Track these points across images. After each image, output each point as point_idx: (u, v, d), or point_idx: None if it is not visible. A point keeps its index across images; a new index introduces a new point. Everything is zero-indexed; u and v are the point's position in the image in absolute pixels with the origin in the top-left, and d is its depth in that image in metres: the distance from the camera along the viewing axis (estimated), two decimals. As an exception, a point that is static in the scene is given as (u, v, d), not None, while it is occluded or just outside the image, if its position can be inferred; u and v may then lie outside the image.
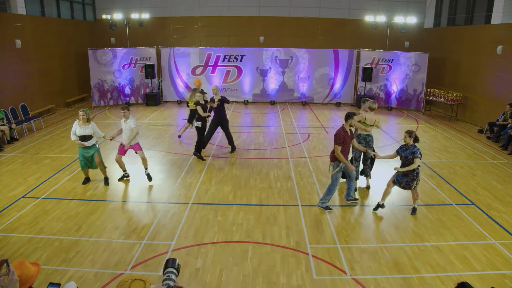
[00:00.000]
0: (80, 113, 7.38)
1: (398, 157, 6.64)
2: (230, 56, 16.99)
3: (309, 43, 18.06)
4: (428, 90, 15.42)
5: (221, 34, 18.59)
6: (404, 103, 16.42)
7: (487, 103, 13.27)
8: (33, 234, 5.89)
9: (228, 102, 9.78)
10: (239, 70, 17.14)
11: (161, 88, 17.45)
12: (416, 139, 6.47)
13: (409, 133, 6.46)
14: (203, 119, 9.18)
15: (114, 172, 8.35)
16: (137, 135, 7.86)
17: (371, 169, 7.83)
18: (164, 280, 2.27)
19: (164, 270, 2.33)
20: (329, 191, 6.79)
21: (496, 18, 13.02)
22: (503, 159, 9.93)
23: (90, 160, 7.66)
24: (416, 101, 16.14)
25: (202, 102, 9.20)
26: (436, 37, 17.04)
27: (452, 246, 5.73)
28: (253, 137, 11.84)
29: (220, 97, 9.60)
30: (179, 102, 17.02)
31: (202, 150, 9.78)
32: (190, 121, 11.02)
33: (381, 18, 17.03)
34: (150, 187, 7.85)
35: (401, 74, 16.30)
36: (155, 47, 16.94)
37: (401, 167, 6.51)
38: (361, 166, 7.89)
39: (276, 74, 17.19)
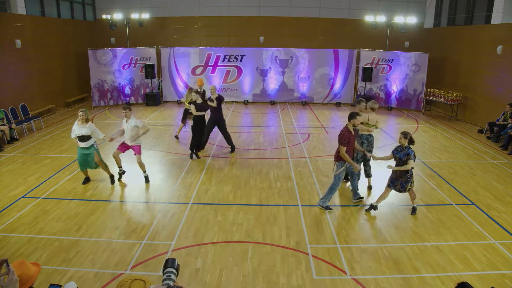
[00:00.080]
0: (80, 113, 7.33)
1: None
2: (230, 56, 16.99)
3: (309, 43, 18.06)
4: (428, 90, 15.42)
5: (221, 34, 18.59)
6: (404, 103, 16.42)
7: (487, 103, 13.28)
8: (33, 234, 5.89)
9: (223, 99, 9.82)
10: (239, 70, 17.14)
11: (161, 88, 17.45)
12: (411, 141, 6.42)
13: (404, 134, 6.43)
14: (197, 118, 9.23)
15: (115, 172, 8.33)
16: (147, 131, 7.85)
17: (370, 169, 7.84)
18: (163, 280, 2.27)
19: (163, 270, 2.33)
20: (331, 190, 6.80)
21: (496, 18, 13.02)
22: (503, 159, 9.93)
23: (88, 161, 7.57)
24: (416, 101, 16.14)
25: (200, 101, 9.21)
26: (436, 37, 17.04)
27: (452, 246, 5.73)
28: (253, 137, 11.84)
29: (217, 95, 9.60)
30: (179, 102, 17.02)
31: (202, 150, 9.81)
32: (183, 120, 11.07)
33: (381, 18, 17.03)
34: (150, 187, 7.85)
35: (401, 74, 16.30)
36: (155, 47, 16.94)
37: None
38: (362, 167, 7.89)
39: (276, 74, 17.19)
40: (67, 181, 8.00)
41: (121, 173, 8.08)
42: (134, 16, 17.17)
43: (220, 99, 9.63)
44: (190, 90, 10.68)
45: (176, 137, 11.17)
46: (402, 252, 5.55)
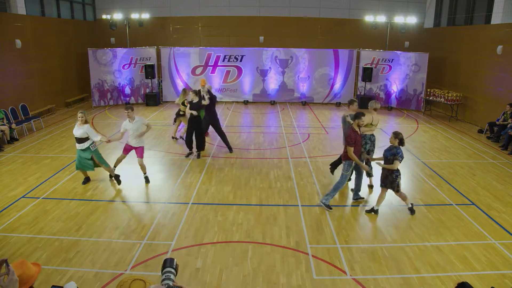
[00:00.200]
0: (79, 114, 7.29)
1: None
2: (230, 56, 16.99)
3: (309, 43, 18.06)
4: (428, 90, 15.42)
5: (221, 34, 18.59)
6: (404, 103, 16.42)
7: (487, 103, 13.28)
8: (33, 234, 5.89)
9: (215, 98, 9.82)
10: (239, 70, 17.14)
11: (161, 88, 17.45)
12: (401, 142, 6.38)
13: (395, 134, 6.41)
14: (191, 118, 9.29)
15: (120, 172, 8.32)
16: (148, 129, 7.85)
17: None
18: (163, 280, 2.27)
19: (162, 270, 2.33)
20: (335, 189, 6.85)
21: (496, 18, 13.02)
22: (503, 159, 9.93)
23: (82, 164, 7.49)
24: (416, 101, 16.14)
25: (196, 100, 9.25)
26: (436, 37, 17.04)
27: (452, 246, 5.73)
28: (253, 137, 11.84)
29: (208, 94, 9.55)
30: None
31: (202, 151, 9.86)
32: (175, 121, 11.15)
33: (381, 18, 17.03)
34: (150, 187, 7.85)
35: (401, 74, 16.30)
36: (155, 47, 16.94)
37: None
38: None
39: (276, 74, 17.19)
40: (67, 181, 8.00)
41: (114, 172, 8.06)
42: (134, 16, 17.17)
43: (212, 99, 9.64)
44: (184, 90, 10.73)
45: (174, 137, 11.17)
46: (402, 252, 5.55)
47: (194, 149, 9.70)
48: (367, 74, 16.52)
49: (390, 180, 6.47)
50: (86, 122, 7.35)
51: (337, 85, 17.30)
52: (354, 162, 6.68)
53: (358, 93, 17.19)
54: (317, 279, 4.92)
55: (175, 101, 11.15)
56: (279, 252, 5.53)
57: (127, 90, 16.69)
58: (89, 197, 7.29)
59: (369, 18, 17.08)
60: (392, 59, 16.36)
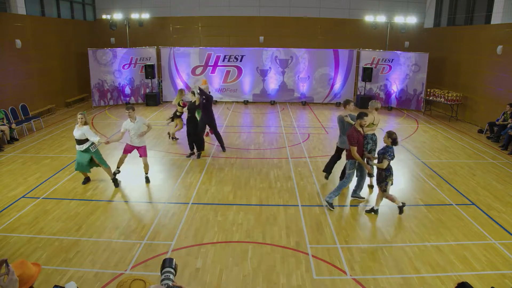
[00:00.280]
0: (79, 116, 7.29)
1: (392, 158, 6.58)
2: (230, 56, 16.99)
3: (309, 43, 18.06)
4: (428, 90, 15.42)
5: (221, 34, 18.59)
6: (404, 103, 16.42)
7: (487, 103, 13.28)
8: (33, 234, 5.89)
9: (211, 97, 9.80)
10: (239, 70, 17.14)
11: (161, 88, 17.46)
12: (394, 141, 6.38)
13: (389, 133, 6.44)
14: (189, 119, 9.33)
15: (120, 172, 8.32)
16: (149, 129, 7.85)
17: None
18: (162, 280, 2.27)
19: (161, 270, 2.33)
20: (339, 188, 6.88)
21: (496, 18, 13.02)
22: (503, 159, 9.93)
23: (82, 165, 7.50)
24: (416, 101, 16.14)
25: (194, 100, 9.30)
26: (436, 37, 17.04)
27: (452, 246, 5.73)
28: (253, 137, 11.84)
29: (199, 89, 9.52)
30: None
31: (202, 151, 9.87)
32: (173, 120, 11.13)
33: (381, 18, 17.03)
34: (150, 187, 7.85)
35: (401, 74, 16.30)
36: (155, 47, 16.94)
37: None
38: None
39: (276, 74, 17.19)
40: (67, 181, 8.00)
41: (117, 172, 8.06)
42: (134, 16, 17.17)
43: (209, 99, 9.64)
44: (180, 91, 10.75)
45: (174, 138, 11.17)
46: (402, 252, 5.55)
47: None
48: (367, 74, 16.52)
49: (380, 179, 6.51)
50: (85, 123, 7.34)
51: (337, 85, 17.30)
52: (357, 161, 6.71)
53: (358, 93, 17.19)
54: (317, 279, 4.92)
55: (172, 102, 11.19)
56: (279, 252, 5.53)
57: (127, 90, 16.69)
58: (89, 197, 7.29)
59: (369, 18, 17.08)
60: (392, 59, 16.36)
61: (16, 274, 2.11)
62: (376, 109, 7.55)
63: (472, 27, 14.78)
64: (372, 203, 7.01)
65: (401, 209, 6.65)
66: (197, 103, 9.41)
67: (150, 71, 16.35)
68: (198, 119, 9.74)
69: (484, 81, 13.48)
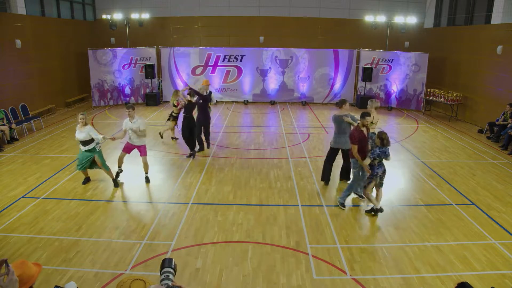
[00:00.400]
0: (80, 116, 7.31)
1: (390, 156, 6.57)
2: (230, 56, 16.99)
3: (309, 43, 18.06)
4: (428, 90, 15.42)
5: (221, 34, 18.59)
6: (404, 103, 16.42)
7: (487, 103, 13.28)
8: (33, 234, 5.89)
9: (207, 97, 9.79)
10: (239, 70, 17.14)
11: (161, 88, 17.46)
12: (382, 142, 6.36)
13: (379, 133, 6.48)
14: (185, 119, 9.34)
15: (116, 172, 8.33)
16: (143, 133, 7.77)
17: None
18: (162, 280, 2.26)
19: (161, 270, 2.33)
20: (350, 188, 6.92)
21: (496, 18, 13.02)
22: (503, 159, 9.93)
23: (88, 164, 7.55)
24: (416, 101, 16.14)
25: (191, 100, 9.35)
26: (436, 37, 17.04)
27: (452, 246, 5.73)
28: (253, 137, 11.84)
29: (189, 88, 9.51)
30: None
31: (202, 151, 9.86)
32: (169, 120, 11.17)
33: (381, 18, 17.03)
34: (150, 187, 7.85)
35: (401, 74, 16.30)
36: (155, 47, 16.94)
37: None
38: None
39: (276, 74, 17.19)
40: (67, 181, 8.00)
41: (119, 172, 8.07)
42: (134, 16, 17.17)
43: (206, 100, 9.64)
44: (175, 91, 10.77)
45: (173, 138, 11.17)
46: (402, 252, 5.55)
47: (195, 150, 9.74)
48: (367, 74, 16.52)
49: (368, 177, 6.58)
50: (86, 124, 7.38)
51: (337, 85, 17.30)
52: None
53: (358, 93, 17.19)
54: (317, 279, 4.92)
55: (169, 102, 11.27)
56: (279, 252, 5.53)
57: (127, 90, 16.69)
58: (89, 197, 7.29)
59: (369, 18, 17.07)
60: (392, 59, 16.35)
61: (16, 274, 2.12)
62: (375, 108, 7.62)
63: (472, 27, 14.78)
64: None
65: (375, 211, 6.63)
66: (192, 98, 9.43)
67: (150, 71, 16.35)
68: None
69: (484, 81, 13.48)
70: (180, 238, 5.87)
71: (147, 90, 16.88)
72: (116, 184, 7.78)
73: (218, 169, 8.89)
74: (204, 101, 9.57)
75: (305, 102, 17.35)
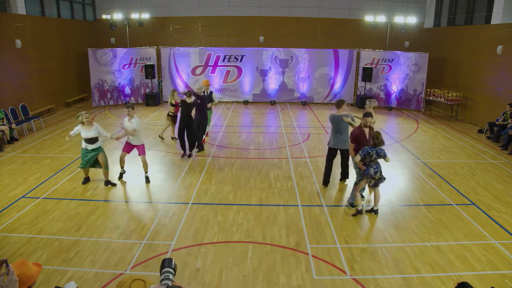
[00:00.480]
0: (85, 115, 7.31)
1: (388, 157, 6.56)
2: (230, 56, 16.99)
3: (309, 43, 18.06)
4: (428, 90, 15.42)
5: (221, 34, 18.59)
6: (404, 103, 16.42)
7: (487, 103, 13.27)
8: (33, 234, 5.89)
9: (205, 98, 9.79)
10: (239, 70, 17.14)
11: (161, 88, 17.46)
12: (373, 140, 6.36)
13: (372, 132, 6.52)
14: (183, 119, 9.35)
15: (115, 174, 8.33)
16: (134, 132, 7.74)
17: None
18: (162, 280, 2.26)
19: (160, 270, 2.33)
20: (355, 187, 6.90)
21: (496, 18, 13.02)
22: (503, 159, 9.93)
23: (92, 161, 7.61)
24: (416, 101, 16.14)
25: (188, 100, 9.37)
26: (436, 37, 17.04)
27: (452, 246, 5.73)
28: (253, 137, 11.84)
29: (188, 93, 9.53)
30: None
31: (202, 151, 9.88)
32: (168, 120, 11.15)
33: (381, 18, 17.03)
34: (150, 187, 7.85)
35: (401, 74, 16.30)
36: (155, 47, 16.94)
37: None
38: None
39: (276, 74, 17.19)
40: (67, 181, 8.00)
41: (122, 173, 8.11)
42: (134, 16, 17.17)
43: (203, 100, 9.63)
44: (173, 91, 10.79)
45: (173, 138, 11.18)
46: (402, 252, 5.55)
47: (195, 150, 9.75)
48: (367, 74, 16.52)
49: (359, 173, 6.63)
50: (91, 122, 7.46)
51: (337, 85, 17.30)
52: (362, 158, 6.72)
53: (358, 93, 17.19)
54: (317, 279, 4.92)
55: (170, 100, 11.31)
56: (279, 252, 5.53)
57: (127, 90, 16.69)
58: (89, 197, 7.29)
59: (369, 18, 17.07)
60: (392, 59, 16.35)
61: (16, 274, 2.12)
62: (374, 108, 7.66)
63: (472, 27, 14.78)
64: (372, 203, 7.00)
65: (358, 212, 6.62)
66: (189, 99, 9.43)
67: (150, 71, 16.35)
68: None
69: (484, 81, 13.48)
70: (180, 238, 5.87)
71: (147, 90, 16.88)
72: (113, 184, 7.80)
73: (218, 169, 8.89)
74: (201, 101, 9.59)
75: (305, 102, 17.35)
